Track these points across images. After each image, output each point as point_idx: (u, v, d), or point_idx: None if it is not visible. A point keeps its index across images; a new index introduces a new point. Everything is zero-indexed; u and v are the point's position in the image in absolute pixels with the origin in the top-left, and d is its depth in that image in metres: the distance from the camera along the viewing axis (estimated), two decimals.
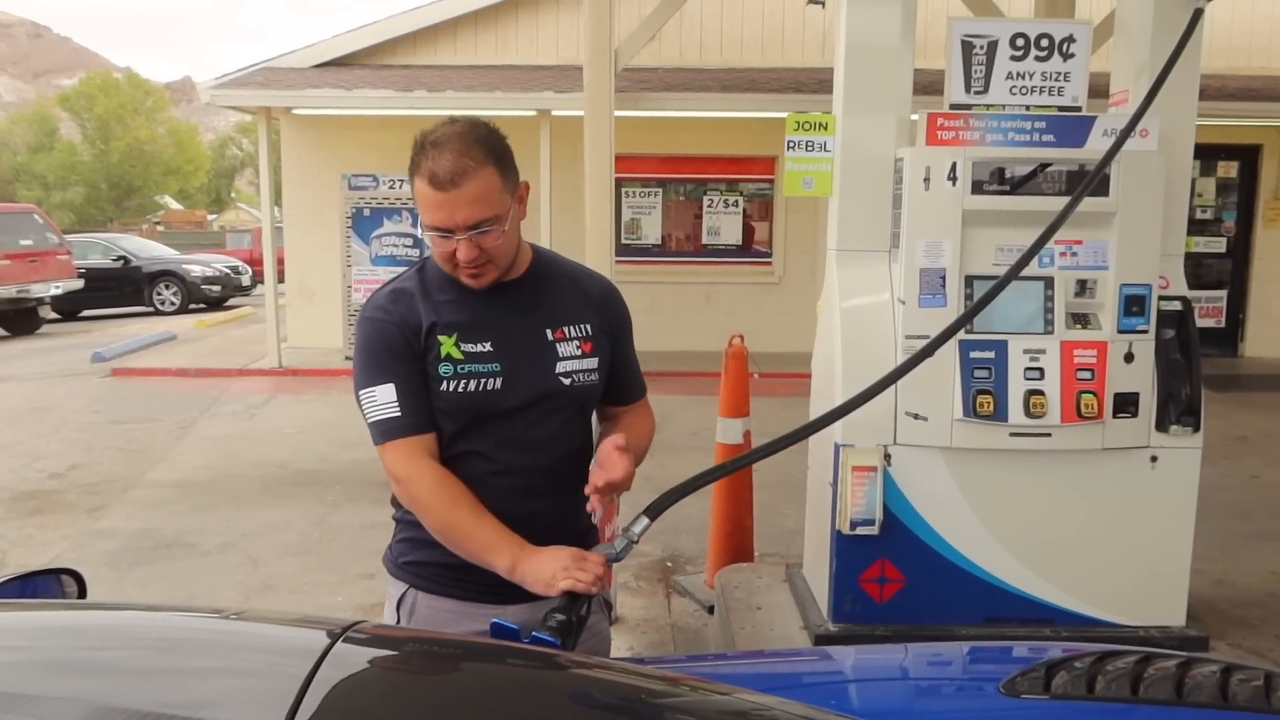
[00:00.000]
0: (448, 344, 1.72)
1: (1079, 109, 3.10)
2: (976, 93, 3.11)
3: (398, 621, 1.83)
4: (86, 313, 17.12)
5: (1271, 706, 1.42)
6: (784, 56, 11.23)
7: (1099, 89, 3.19)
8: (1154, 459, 3.08)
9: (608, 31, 7.20)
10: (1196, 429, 3.07)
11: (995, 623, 3.12)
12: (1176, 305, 3.11)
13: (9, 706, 0.98)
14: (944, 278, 3.01)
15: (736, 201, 11.55)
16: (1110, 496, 3.09)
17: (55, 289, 14.83)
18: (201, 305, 18.13)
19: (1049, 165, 3.05)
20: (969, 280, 3.03)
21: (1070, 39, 3.09)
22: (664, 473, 6.09)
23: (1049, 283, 3.04)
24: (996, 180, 3.05)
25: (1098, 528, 3.09)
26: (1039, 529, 3.10)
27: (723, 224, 11.55)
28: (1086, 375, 3.00)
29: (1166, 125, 3.06)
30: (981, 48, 3.10)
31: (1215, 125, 8.86)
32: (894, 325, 3.07)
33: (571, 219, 8.78)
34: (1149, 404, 3.05)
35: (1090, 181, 2.76)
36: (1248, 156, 10.92)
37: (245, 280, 19.54)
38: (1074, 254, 3.08)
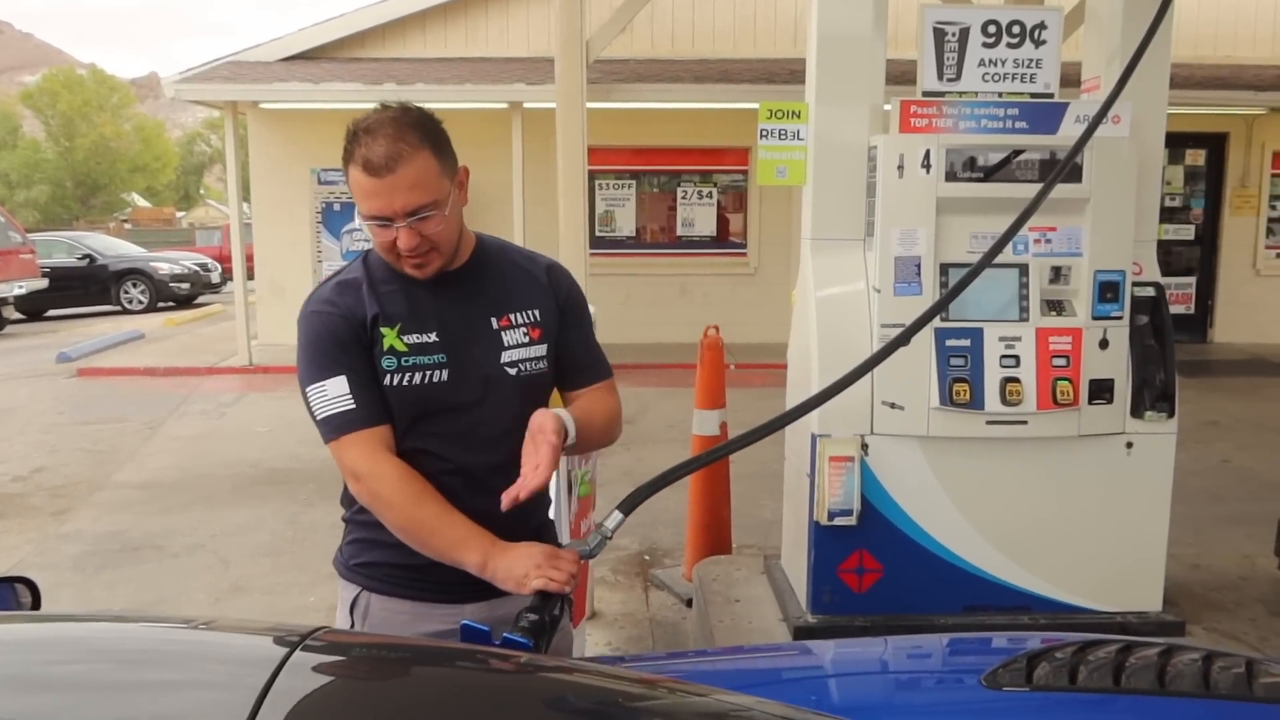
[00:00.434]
0: (390, 336, 1.66)
1: (1051, 95, 3.09)
2: (949, 80, 3.09)
3: (351, 625, 1.78)
4: (52, 312, 16.84)
5: (1253, 693, 1.40)
6: (756, 47, 11.20)
7: (1070, 78, 3.19)
8: (1129, 445, 3.08)
9: (579, 23, 7.13)
10: (1171, 414, 3.07)
11: (974, 611, 3.12)
12: (1150, 291, 3.12)
13: None
14: (919, 266, 3.00)
15: (710, 193, 11.53)
16: (1086, 483, 3.09)
17: (19, 289, 14.59)
18: (170, 303, 17.89)
19: (1022, 152, 3.04)
20: (944, 268, 3.01)
21: (1042, 25, 3.08)
22: (641, 465, 6.10)
23: (1024, 270, 3.03)
24: (970, 167, 3.04)
25: (1074, 514, 3.09)
26: (1016, 517, 3.09)
27: (697, 215, 11.52)
28: (1062, 362, 2.99)
29: (1138, 111, 3.06)
30: (953, 35, 3.08)
31: (1183, 114, 8.94)
32: (870, 314, 3.05)
33: (545, 212, 8.73)
34: (1124, 390, 3.05)
35: (1063, 168, 2.73)
36: (1215, 144, 11.03)
37: (215, 277, 19.31)
38: (1048, 241, 3.07)
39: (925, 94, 3.07)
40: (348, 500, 1.75)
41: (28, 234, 16.38)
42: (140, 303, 17.62)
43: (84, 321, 15.83)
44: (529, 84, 9.69)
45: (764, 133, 3.24)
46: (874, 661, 1.74)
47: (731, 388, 4.39)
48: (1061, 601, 3.13)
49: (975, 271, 2.46)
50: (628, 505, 1.63)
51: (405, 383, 1.66)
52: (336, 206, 10.10)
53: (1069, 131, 2.98)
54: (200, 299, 18.61)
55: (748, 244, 11.51)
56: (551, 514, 2.65)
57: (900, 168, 2.99)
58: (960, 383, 2.96)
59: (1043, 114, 3.03)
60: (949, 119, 3.03)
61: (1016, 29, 3.08)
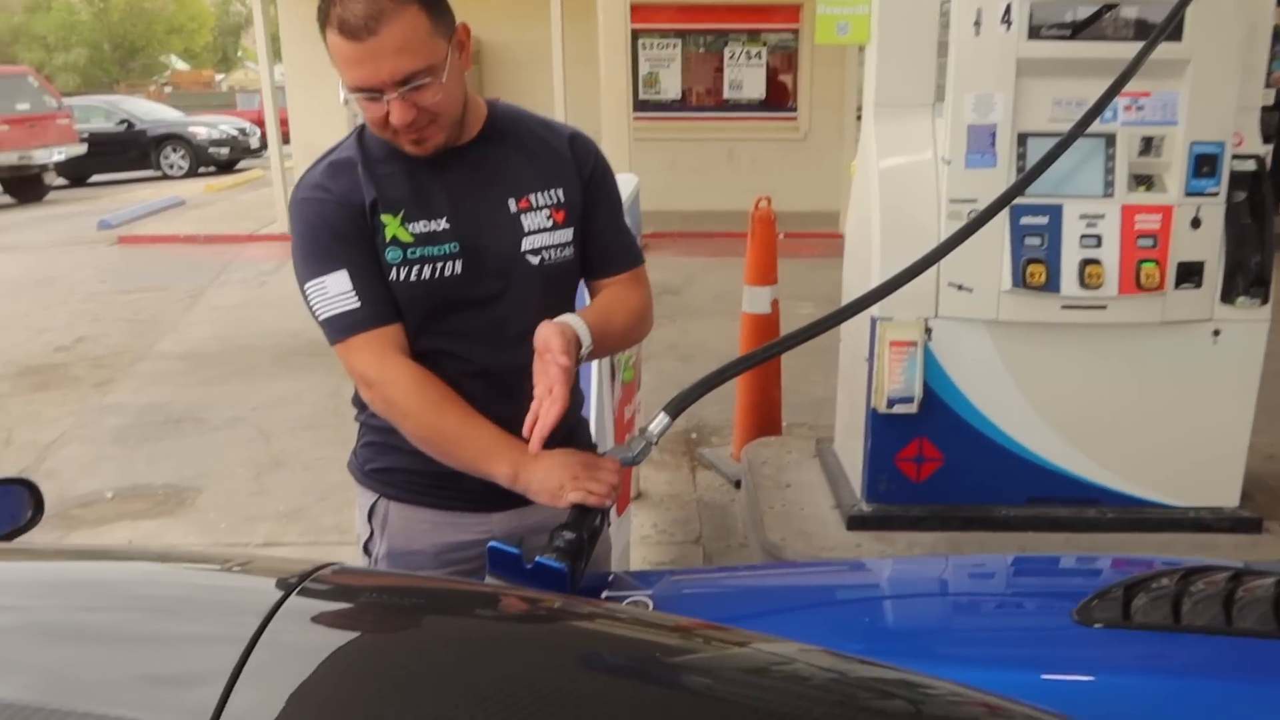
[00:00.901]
0: (392, 224, 1.45)
1: None
2: None
3: (370, 535, 1.65)
4: (95, 178, 16.81)
5: None
6: None
7: None
8: (1216, 333, 2.84)
9: None
10: (1265, 300, 2.82)
11: (1038, 503, 2.97)
12: (1250, 165, 2.81)
13: None
14: (994, 135, 2.72)
15: (759, 53, 10.96)
16: (1167, 373, 2.87)
17: (58, 155, 14.47)
18: (210, 169, 17.74)
19: (1115, 6, 2.70)
20: (1022, 138, 2.73)
21: None
22: (686, 339, 5.95)
23: (1110, 140, 2.75)
24: (1056, 24, 2.72)
25: (1151, 405, 2.89)
26: (1088, 406, 2.90)
27: (745, 77, 10.99)
28: (1148, 243, 2.73)
29: None
30: None
31: None
32: (937, 188, 2.79)
33: (585, 71, 8.33)
34: (1214, 274, 2.79)
35: (1168, 23, 2.43)
36: None
37: (254, 142, 19.04)
38: (1140, 108, 2.77)
39: None
40: (359, 401, 1.58)
41: (63, 99, 16.14)
42: (180, 168, 17.49)
43: (125, 188, 15.78)
44: None
45: None
46: (939, 584, 1.59)
47: (780, 257, 4.16)
48: (1131, 495, 2.96)
49: (1067, 141, 2.21)
50: (675, 408, 1.47)
51: (413, 277, 1.46)
52: None
53: None
54: (240, 164, 18.43)
55: (798, 108, 11.01)
56: (591, 408, 2.52)
57: (977, 24, 2.68)
58: (1035, 264, 2.72)
59: None
60: None
61: None
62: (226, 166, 18.10)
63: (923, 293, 2.79)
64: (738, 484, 3.90)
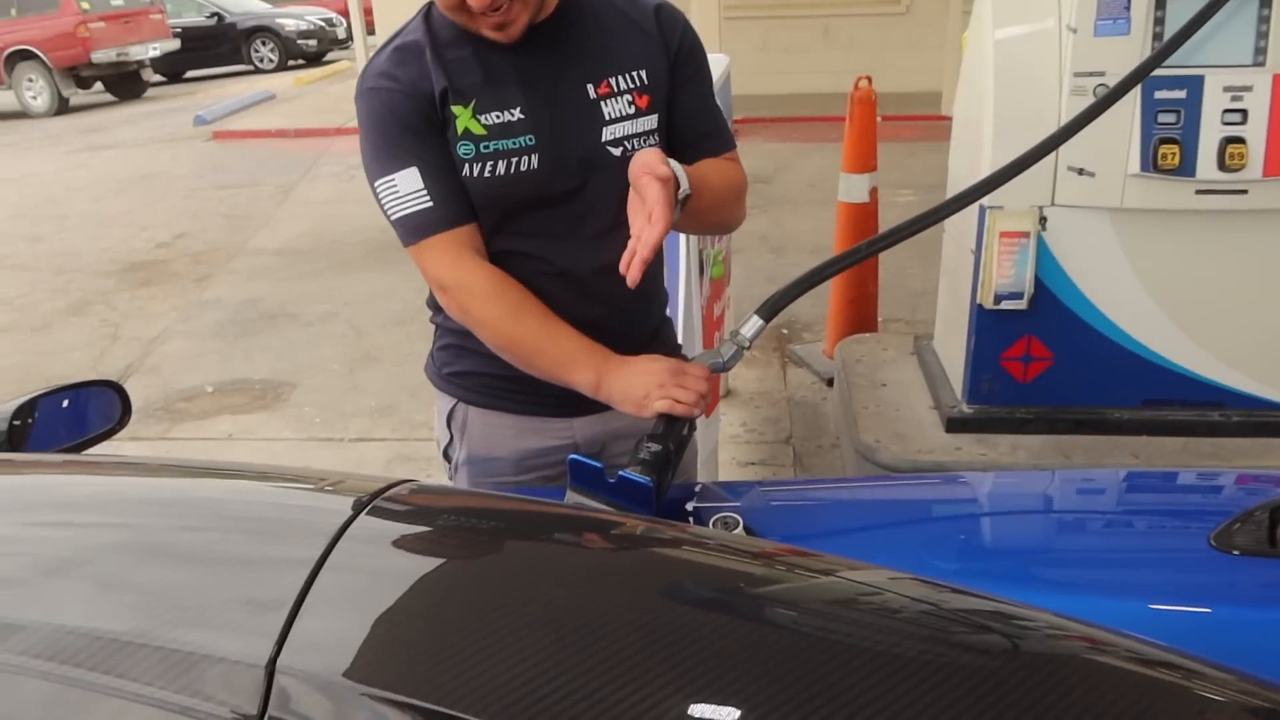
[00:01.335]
0: (464, 116, 1.32)
1: None
2: None
3: (450, 440, 1.59)
4: (190, 74, 17.00)
5: None
6: None
7: None
8: None
9: None
10: None
11: (1155, 405, 2.77)
12: None
13: None
14: None
15: None
16: None
17: (153, 50, 14.62)
18: (300, 61, 17.75)
19: None
20: (1160, 0, 2.44)
21: None
22: (778, 229, 5.74)
23: (1265, 1, 2.43)
24: None
25: None
26: (1218, 300, 2.66)
27: None
28: None
29: None
30: None
31: None
32: (1060, 60, 2.53)
33: None
34: None
35: None
36: None
37: (340, 33, 18.90)
38: None
39: None
40: (435, 303, 1.50)
41: None
42: (270, 61, 17.54)
43: (218, 83, 15.92)
44: None
45: None
46: (1050, 500, 1.46)
47: (879, 142, 3.92)
48: (1259, 397, 2.73)
49: (1219, 1, 1.94)
50: (768, 309, 1.34)
51: (486, 173, 1.34)
52: None
53: None
54: (327, 56, 18.39)
55: None
56: (679, 307, 2.40)
57: None
58: (1168, 144, 2.46)
59: None
60: None
61: None
62: (315, 58, 18.08)
63: (1038, 179, 2.55)
64: (830, 382, 3.77)
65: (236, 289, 5.60)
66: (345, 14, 18.60)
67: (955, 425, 2.85)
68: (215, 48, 17.26)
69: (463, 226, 1.36)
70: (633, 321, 1.51)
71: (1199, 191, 2.50)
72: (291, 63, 17.55)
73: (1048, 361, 2.77)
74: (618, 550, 0.92)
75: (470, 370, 1.52)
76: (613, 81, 1.38)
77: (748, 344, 1.36)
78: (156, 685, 0.70)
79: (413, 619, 0.77)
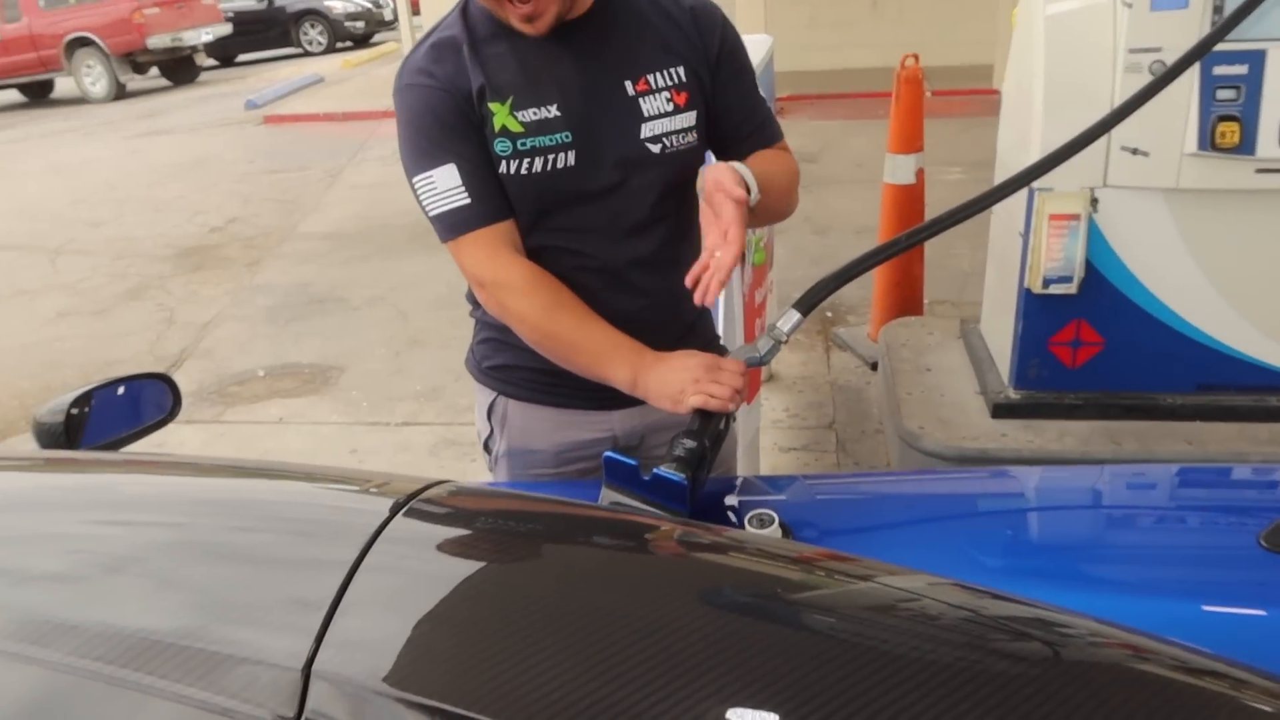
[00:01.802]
0: (501, 113, 1.32)
1: None
2: None
3: (490, 432, 1.60)
4: (242, 57, 17.22)
5: None
6: None
7: None
8: None
9: None
10: None
11: (1209, 390, 2.70)
12: None
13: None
14: None
15: None
16: None
17: (206, 35, 14.83)
18: (348, 43, 17.89)
19: None
20: None
21: None
22: (822, 210, 5.68)
23: None
24: None
25: None
26: (1278, 285, 2.58)
27: None
28: None
29: None
30: None
31: None
32: (1114, 36, 2.46)
33: None
34: None
35: None
36: None
37: (387, 14, 19.03)
38: None
39: None
40: (474, 297, 1.51)
41: None
42: (319, 44, 17.70)
43: (269, 66, 16.11)
44: None
45: None
46: (1097, 496, 1.43)
47: (927, 118, 3.84)
48: None
49: None
50: (806, 303, 1.33)
51: (523, 170, 1.34)
52: None
53: None
54: (374, 37, 18.51)
55: None
56: (719, 297, 2.39)
57: None
58: (1227, 121, 2.38)
59: None
60: None
61: None
62: (362, 40, 18.22)
63: (1090, 159, 2.49)
64: (874, 366, 3.73)
65: (286, 273, 5.68)
66: None
67: (1001, 411, 2.81)
68: (265, 31, 17.46)
69: (500, 223, 1.36)
70: (670, 314, 1.50)
71: (1259, 170, 2.42)
72: (339, 45, 17.70)
73: (1098, 346, 2.71)
74: (649, 555, 0.92)
75: (510, 364, 1.53)
76: (651, 79, 1.37)
77: (785, 338, 1.35)
78: (198, 686, 0.72)
79: (447, 622, 0.78)
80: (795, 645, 0.73)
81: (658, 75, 1.37)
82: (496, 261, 1.36)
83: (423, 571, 0.86)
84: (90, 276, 5.95)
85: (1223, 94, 2.38)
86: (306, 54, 17.39)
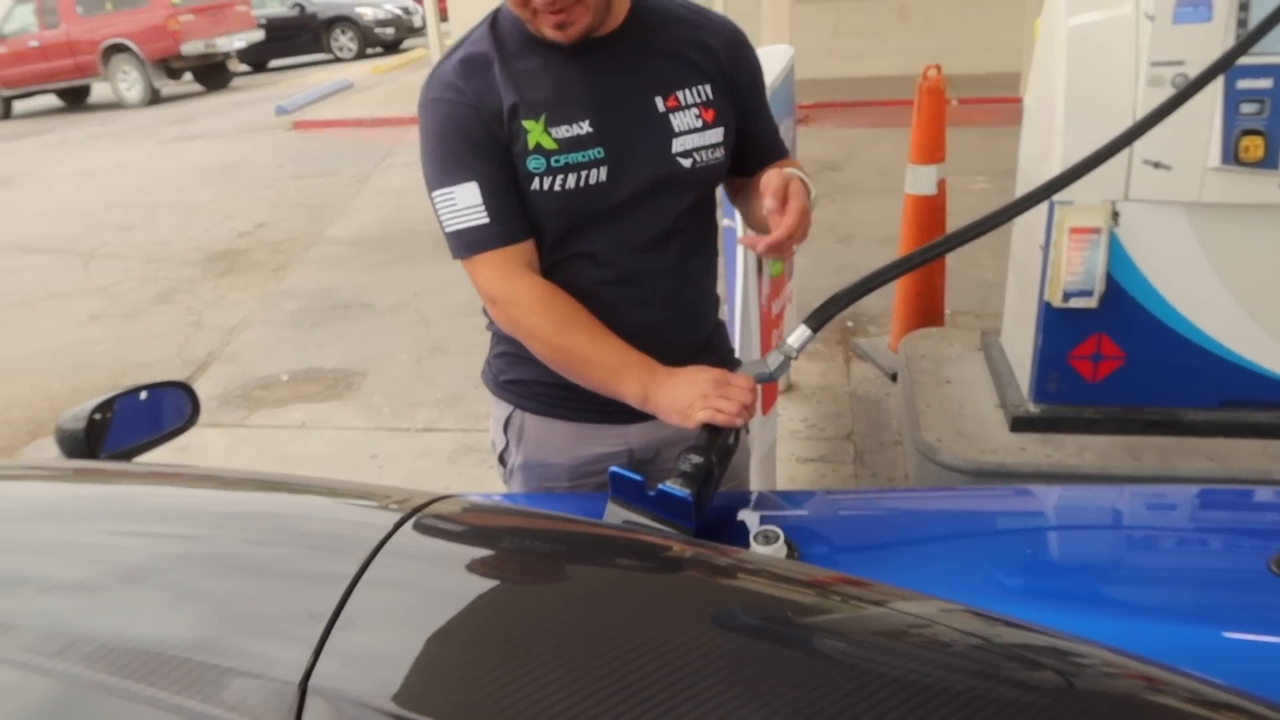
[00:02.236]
0: (535, 131, 1.33)
1: None
2: None
3: (507, 445, 1.62)
4: (273, 63, 17.42)
5: None
6: None
7: None
8: None
9: None
10: None
11: (1232, 406, 2.67)
12: None
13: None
14: None
15: None
16: None
17: (239, 41, 15.03)
18: (377, 49, 18.05)
19: None
20: None
21: None
22: (845, 219, 5.67)
23: None
24: None
25: None
26: None
27: None
28: None
29: None
30: None
31: None
32: (1136, 48, 2.44)
33: None
34: None
35: None
36: None
37: (417, 21, 19.15)
38: None
39: None
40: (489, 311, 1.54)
41: None
42: (350, 50, 17.87)
43: (300, 72, 16.29)
44: None
45: None
46: (1107, 516, 1.42)
47: (953, 126, 3.82)
48: None
49: None
50: (817, 319, 1.33)
51: (556, 187, 1.35)
52: None
53: None
54: (404, 43, 18.66)
55: None
56: (736, 309, 2.39)
57: None
58: (1251, 135, 2.36)
59: None
60: None
61: None
62: (392, 46, 18.37)
63: (1111, 173, 2.48)
64: (894, 377, 3.72)
65: (312, 278, 5.74)
66: (421, 1, 18.88)
67: (1021, 424, 2.79)
68: (297, 37, 17.65)
69: (516, 244, 1.37)
70: (688, 327, 1.52)
71: None
72: (369, 50, 17.86)
73: (1119, 360, 2.69)
74: (648, 575, 0.93)
75: (526, 378, 1.54)
76: (680, 95, 1.39)
77: (795, 354, 1.35)
78: (195, 699, 0.73)
79: (444, 639, 0.78)
80: (785, 671, 0.73)
81: (687, 92, 1.39)
82: (510, 281, 1.37)
83: (423, 586, 0.87)
84: (121, 280, 6.04)
85: (1246, 108, 2.36)
86: (337, 60, 17.56)
